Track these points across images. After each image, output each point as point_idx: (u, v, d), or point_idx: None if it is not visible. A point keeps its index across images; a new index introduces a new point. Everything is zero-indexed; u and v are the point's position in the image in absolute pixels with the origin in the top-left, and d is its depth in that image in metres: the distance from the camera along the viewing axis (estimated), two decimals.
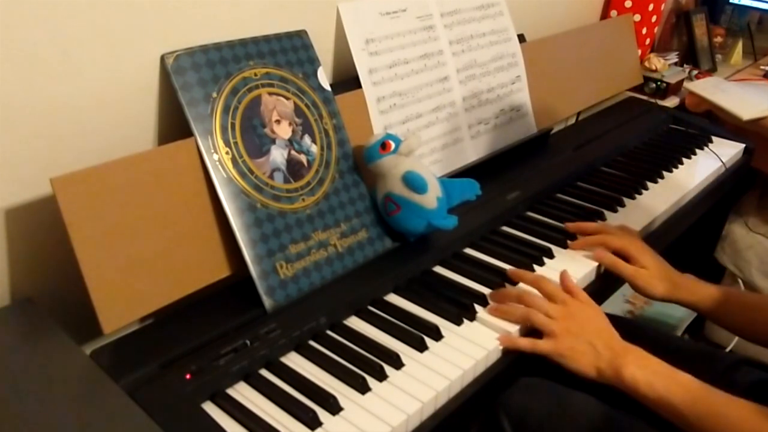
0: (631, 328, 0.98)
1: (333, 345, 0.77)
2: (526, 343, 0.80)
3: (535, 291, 0.86)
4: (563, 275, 0.89)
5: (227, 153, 0.79)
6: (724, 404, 0.71)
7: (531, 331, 0.82)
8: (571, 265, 0.94)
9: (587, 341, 0.79)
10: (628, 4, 1.66)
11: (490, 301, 0.85)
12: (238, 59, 0.83)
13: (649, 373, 0.75)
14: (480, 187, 0.96)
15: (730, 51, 2.11)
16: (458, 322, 0.81)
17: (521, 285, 0.89)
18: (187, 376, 0.68)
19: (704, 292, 0.94)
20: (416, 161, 0.90)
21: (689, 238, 1.30)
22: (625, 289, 1.74)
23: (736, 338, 1.63)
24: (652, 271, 0.94)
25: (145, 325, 0.77)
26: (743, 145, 1.46)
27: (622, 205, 1.15)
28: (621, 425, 0.84)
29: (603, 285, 0.98)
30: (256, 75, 0.84)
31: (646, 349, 0.79)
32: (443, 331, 0.79)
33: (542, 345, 0.79)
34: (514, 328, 0.81)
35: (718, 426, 0.69)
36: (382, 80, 1.01)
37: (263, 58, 0.85)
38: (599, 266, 0.97)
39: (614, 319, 0.88)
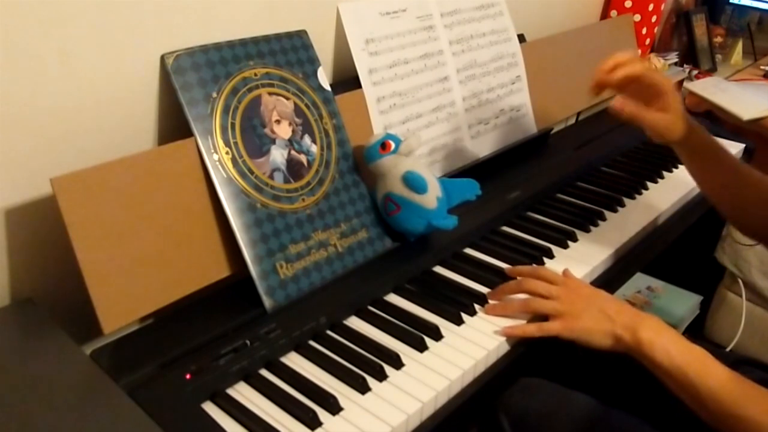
0: None
1: (333, 345, 0.77)
2: (534, 329, 0.78)
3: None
4: (564, 271, 0.89)
5: (227, 153, 0.79)
6: (738, 382, 0.68)
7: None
8: (571, 265, 0.94)
9: (598, 309, 0.77)
10: (628, 4, 1.66)
11: (489, 301, 0.85)
12: (238, 59, 0.83)
13: (666, 340, 0.73)
14: (480, 187, 0.96)
15: (730, 51, 2.11)
16: (458, 322, 0.81)
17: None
18: (187, 376, 0.68)
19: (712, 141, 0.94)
20: (416, 161, 0.90)
21: (689, 238, 1.30)
22: (625, 290, 1.75)
23: (736, 338, 1.63)
24: (672, 113, 0.90)
25: (145, 325, 0.77)
26: (743, 145, 1.46)
27: (623, 205, 1.15)
28: (621, 425, 0.84)
29: (603, 284, 0.98)
30: (256, 75, 0.84)
31: None
32: (443, 331, 0.79)
33: (550, 326, 0.78)
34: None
35: (730, 402, 0.67)
36: (382, 80, 1.01)
37: (263, 58, 0.85)
38: (601, 264, 0.97)
39: None
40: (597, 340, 0.76)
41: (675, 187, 1.25)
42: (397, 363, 0.74)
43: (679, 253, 1.06)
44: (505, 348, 0.80)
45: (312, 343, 0.77)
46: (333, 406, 0.67)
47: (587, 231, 1.04)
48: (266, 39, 0.86)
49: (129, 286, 0.71)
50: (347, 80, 0.99)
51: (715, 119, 1.59)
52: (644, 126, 0.91)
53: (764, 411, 0.65)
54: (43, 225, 0.75)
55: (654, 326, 0.74)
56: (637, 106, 0.91)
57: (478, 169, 1.12)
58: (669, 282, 1.82)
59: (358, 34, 0.98)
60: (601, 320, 0.76)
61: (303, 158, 0.86)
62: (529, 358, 0.81)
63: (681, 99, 0.94)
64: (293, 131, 0.86)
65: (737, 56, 2.11)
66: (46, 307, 0.74)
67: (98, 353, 0.70)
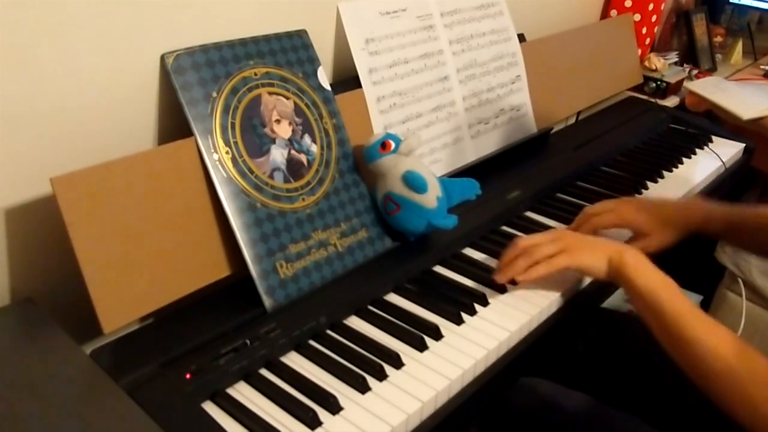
0: (632, 325, 0.98)
1: (333, 344, 0.77)
2: (543, 267, 0.83)
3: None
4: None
5: (227, 152, 0.79)
6: (700, 312, 0.74)
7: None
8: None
9: (592, 241, 0.86)
10: (628, 3, 1.66)
11: (495, 277, 0.86)
12: (238, 59, 0.83)
13: (646, 266, 0.80)
14: (480, 186, 0.96)
15: (730, 50, 2.11)
16: (458, 322, 0.81)
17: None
18: (187, 376, 0.68)
19: (710, 216, 0.98)
20: (416, 161, 0.90)
21: (689, 238, 1.30)
22: None
23: None
24: (653, 233, 0.97)
25: (145, 325, 0.77)
26: (743, 145, 1.46)
27: None
28: (620, 425, 0.84)
29: (604, 283, 0.98)
30: (256, 75, 0.84)
31: (648, 343, 0.79)
32: (443, 331, 0.79)
33: (557, 259, 0.83)
34: (515, 326, 0.81)
35: (689, 326, 0.72)
36: (382, 80, 1.01)
37: (263, 57, 0.85)
38: None
39: (615, 315, 0.88)
40: (597, 266, 0.83)
41: (675, 186, 1.25)
42: (397, 362, 0.74)
43: (679, 253, 1.06)
44: (505, 348, 0.80)
45: (312, 342, 0.77)
46: (333, 405, 0.68)
47: None
48: (266, 39, 0.86)
49: (129, 285, 0.71)
50: (347, 80, 0.99)
51: (715, 119, 1.59)
52: None
53: (718, 341, 0.71)
54: (43, 225, 0.75)
55: (637, 254, 0.82)
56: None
57: (478, 169, 1.12)
58: None
59: (358, 34, 0.98)
60: (596, 248, 0.84)
61: (303, 158, 0.86)
62: (529, 358, 0.81)
63: (655, 216, 0.98)
64: (293, 131, 0.86)
65: (737, 56, 2.10)
66: (46, 307, 0.73)
67: (98, 353, 0.70)
